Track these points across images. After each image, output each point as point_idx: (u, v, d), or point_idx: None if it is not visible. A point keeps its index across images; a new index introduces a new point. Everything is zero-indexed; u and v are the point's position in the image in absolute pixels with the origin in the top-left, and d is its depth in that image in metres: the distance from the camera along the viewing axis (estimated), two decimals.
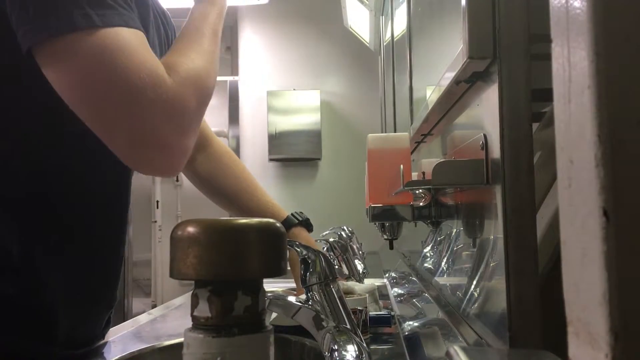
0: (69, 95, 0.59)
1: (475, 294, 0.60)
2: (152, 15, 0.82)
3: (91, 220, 0.77)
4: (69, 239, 0.74)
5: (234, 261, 0.33)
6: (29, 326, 0.70)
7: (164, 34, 0.89)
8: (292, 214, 1.03)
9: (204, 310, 0.34)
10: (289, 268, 1.00)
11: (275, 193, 3.69)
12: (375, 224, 0.94)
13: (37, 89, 0.61)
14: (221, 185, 1.08)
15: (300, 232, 1.01)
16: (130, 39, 0.59)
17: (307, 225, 1.04)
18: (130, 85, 0.57)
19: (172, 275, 0.34)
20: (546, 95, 0.34)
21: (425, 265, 1.08)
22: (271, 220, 0.36)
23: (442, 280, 0.85)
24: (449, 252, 0.83)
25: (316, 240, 0.96)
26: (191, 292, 0.35)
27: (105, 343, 0.90)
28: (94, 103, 0.59)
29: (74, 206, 0.74)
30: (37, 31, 0.57)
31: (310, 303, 0.63)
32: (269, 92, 3.75)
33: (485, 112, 0.55)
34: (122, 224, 0.83)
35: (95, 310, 0.82)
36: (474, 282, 0.60)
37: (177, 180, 3.81)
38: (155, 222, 3.82)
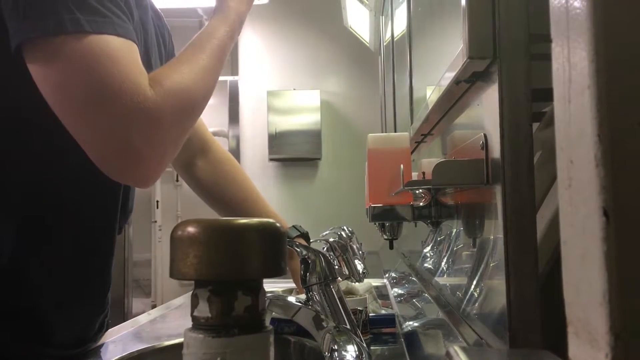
0: (50, 95, 0.60)
1: (475, 294, 0.60)
2: (151, 16, 0.83)
3: (82, 224, 0.76)
4: (59, 242, 0.73)
5: (234, 261, 0.33)
6: (18, 327, 0.70)
7: (160, 34, 0.89)
8: (293, 226, 1.03)
9: (204, 310, 0.34)
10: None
11: (275, 193, 3.69)
12: (375, 224, 0.94)
13: (30, 92, 0.61)
14: (223, 193, 1.08)
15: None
16: (116, 48, 0.60)
17: (306, 238, 1.04)
18: (108, 93, 0.58)
19: (172, 275, 0.34)
20: (546, 95, 0.34)
21: (425, 265, 1.08)
22: (271, 220, 0.36)
23: (442, 280, 0.85)
24: (449, 252, 0.83)
25: (316, 240, 0.97)
26: (191, 292, 0.35)
27: (102, 344, 0.90)
28: (71, 107, 0.60)
29: (66, 209, 0.74)
30: (26, 30, 0.58)
31: (310, 303, 0.63)
32: (269, 92, 3.75)
33: (485, 112, 0.55)
34: (113, 225, 0.82)
35: (85, 313, 0.81)
36: (474, 282, 0.60)
37: (177, 181, 3.81)
38: (155, 222, 3.82)
